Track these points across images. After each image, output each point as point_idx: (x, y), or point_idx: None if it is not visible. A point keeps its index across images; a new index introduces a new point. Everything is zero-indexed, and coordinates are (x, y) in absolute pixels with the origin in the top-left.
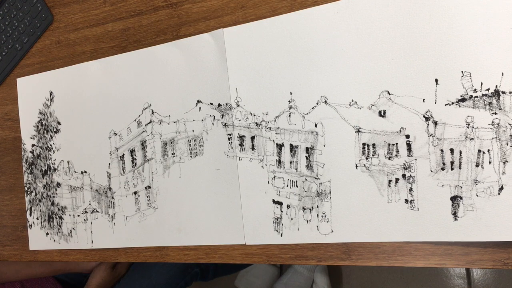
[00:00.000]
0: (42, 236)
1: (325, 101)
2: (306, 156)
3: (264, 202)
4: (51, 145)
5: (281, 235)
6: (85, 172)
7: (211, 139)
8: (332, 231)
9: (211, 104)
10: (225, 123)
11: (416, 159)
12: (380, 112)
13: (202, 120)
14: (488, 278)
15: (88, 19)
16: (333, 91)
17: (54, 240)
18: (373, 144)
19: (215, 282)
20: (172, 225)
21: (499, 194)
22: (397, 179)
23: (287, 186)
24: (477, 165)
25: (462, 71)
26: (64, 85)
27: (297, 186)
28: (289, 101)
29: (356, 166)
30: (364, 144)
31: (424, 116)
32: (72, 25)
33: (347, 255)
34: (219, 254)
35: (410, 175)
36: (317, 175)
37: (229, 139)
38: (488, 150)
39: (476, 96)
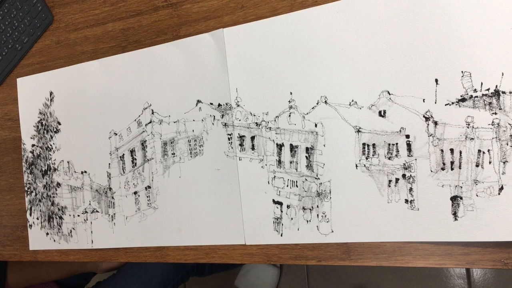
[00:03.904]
0: (42, 236)
1: (325, 101)
2: (306, 156)
3: (264, 202)
4: (51, 145)
5: (281, 235)
6: (85, 172)
7: (211, 139)
8: (332, 231)
9: (211, 104)
10: (225, 123)
11: (416, 159)
12: (380, 112)
13: (202, 120)
14: (488, 278)
15: (88, 19)
16: (333, 91)
17: (54, 240)
18: (373, 144)
19: (215, 281)
20: (172, 225)
21: (499, 194)
22: (397, 179)
23: (287, 186)
24: (477, 165)
25: (462, 71)
26: (64, 85)
27: (297, 186)
28: (289, 101)
29: (356, 166)
30: (364, 144)
31: (424, 116)
32: (72, 25)
33: (347, 255)
34: (219, 254)
35: (410, 175)
36: (317, 175)
37: (229, 139)
38: (488, 150)
39: (476, 96)
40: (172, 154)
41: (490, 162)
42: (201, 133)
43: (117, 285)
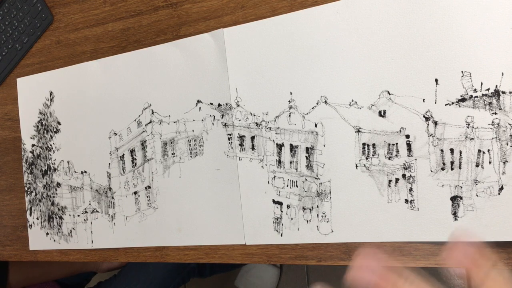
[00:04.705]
0: (42, 236)
1: (325, 101)
2: (306, 156)
3: (264, 202)
4: (51, 145)
5: (281, 235)
6: (85, 172)
7: (211, 139)
8: (332, 231)
9: (211, 104)
10: (225, 123)
11: (416, 159)
12: (380, 112)
13: (202, 120)
14: None
15: (88, 19)
16: (333, 91)
17: (54, 240)
18: (373, 144)
19: (215, 281)
20: (172, 225)
21: (499, 194)
22: (397, 179)
23: (287, 186)
24: (477, 165)
25: (462, 71)
26: (64, 85)
27: (297, 186)
28: (289, 101)
29: (356, 166)
30: (364, 144)
31: (424, 116)
32: (72, 25)
33: (347, 255)
34: (219, 254)
35: (410, 175)
36: (317, 175)
37: (229, 139)
38: (488, 150)
39: (476, 96)
40: (172, 154)
41: (490, 162)
42: (201, 133)
43: (118, 286)
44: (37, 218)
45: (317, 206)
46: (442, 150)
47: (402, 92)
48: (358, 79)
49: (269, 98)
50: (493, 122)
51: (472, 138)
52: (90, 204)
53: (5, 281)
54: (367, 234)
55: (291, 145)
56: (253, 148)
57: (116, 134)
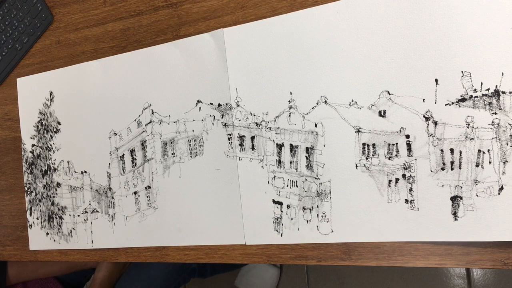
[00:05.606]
0: (42, 236)
1: (325, 101)
2: (306, 156)
3: (264, 202)
4: (51, 145)
5: (281, 235)
6: (85, 172)
7: (211, 139)
8: (332, 231)
9: (211, 104)
10: (225, 123)
11: (416, 159)
12: (380, 112)
13: (202, 120)
14: (488, 278)
15: (88, 19)
16: (333, 91)
17: (54, 240)
18: (373, 144)
19: (215, 281)
20: (172, 225)
21: (499, 194)
22: (397, 179)
23: (287, 186)
24: (477, 165)
25: (462, 71)
26: (64, 85)
27: (297, 186)
28: (289, 101)
29: (356, 166)
30: (364, 144)
31: (424, 116)
32: (72, 25)
33: (347, 255)
34: (219, 254)
35: (410, 175)
36: (317, 175)
37: (229, 139)
38: (488, 150)
39: (476, 96)
40: (172, 154)
41: (490, 162)
42: (201, 133)
43: (119, 286)
44: (37, 218)
45: (317, 206)
46: (442, 150)
47: (402, 92)
48: (358, 79)
49: (269, 98)
50: (493, 122)
51: (472, 138)
52: (90, 204)
53: (4, 277)
54: (367, 234)
55: (291, 145)
56: (253, 148)
57: (116, 134)
